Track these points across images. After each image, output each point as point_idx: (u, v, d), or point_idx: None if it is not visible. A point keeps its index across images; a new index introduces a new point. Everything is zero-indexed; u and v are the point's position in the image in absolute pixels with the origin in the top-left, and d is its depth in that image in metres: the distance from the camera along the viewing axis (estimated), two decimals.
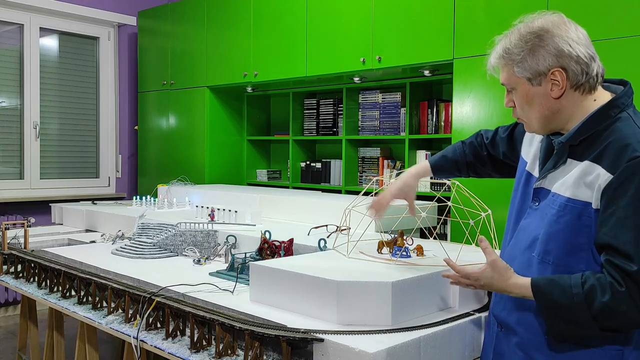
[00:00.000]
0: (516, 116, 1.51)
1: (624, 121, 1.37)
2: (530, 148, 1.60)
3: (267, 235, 2.41)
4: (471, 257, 1.98)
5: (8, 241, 2.86)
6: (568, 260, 1.38)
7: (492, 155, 1.83)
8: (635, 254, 1.26)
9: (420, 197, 3.50)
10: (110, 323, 1.99)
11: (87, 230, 3.45)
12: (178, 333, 1.81)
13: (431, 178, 3.61)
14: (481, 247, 1.45)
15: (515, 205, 1.58)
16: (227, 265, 2.37)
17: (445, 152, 1.91)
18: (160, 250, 2.64)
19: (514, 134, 1.75)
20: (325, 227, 2.71)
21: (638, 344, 1.38)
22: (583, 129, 1.39)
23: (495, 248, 1.73)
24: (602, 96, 1.42)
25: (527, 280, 1.38)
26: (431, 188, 3.63)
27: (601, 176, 1.32)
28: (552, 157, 1.46)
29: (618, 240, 1.28)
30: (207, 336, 1.71)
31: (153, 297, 1.86)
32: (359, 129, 4.28)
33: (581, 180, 1.36)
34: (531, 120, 1.46)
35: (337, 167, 4.37)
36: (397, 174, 4.06)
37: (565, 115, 1.42)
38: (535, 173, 1.53)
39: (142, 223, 2.89)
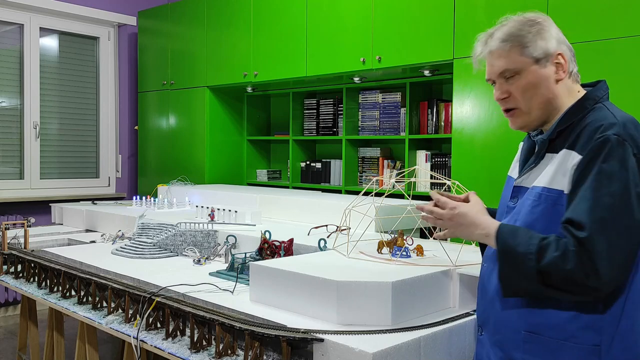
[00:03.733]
0: (508, 107, 1.49)
1: (599, 110, 1.42)
2: (515, 161, 1.64)
3: (267, 235, 2.42)
4: (471, 257, 1.98)
5: (8, 241, 2.87)
6: None
7: None
8: (587, 221, 1.29)
9: (421, 197, 3.50)
10: (110, 323, 1.99)
11: (87, 230, 3.45)
12: (178, 333, 1.81)
13: (432, 177, 3.61)
14: (470, 196, 1.54)
15: (499, 213, 1.60)
16: (227, 265, 2.37)
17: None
18: (160, 250, 2.64)
19: None
20: (325, 227, 2.71)
21: (616, 340, 1.37)
22: (561, 122, 1.43)
23: None
24: (582, 93, 1.48)
25: (497, 222, 1.44)
26: (431, 188, 3.63)
27: (574, 159, 1.36)
28: (533, 155, 1.51)
29: (575, 212, 1.31)
30: (207, 336, 1.71)
31: (153, 297, 1.86)
32: (359, 129, 4.28)
33: (559, 169, 1.39)
34: (532, 108, 1.46)
35: (337, 167, 4.37)
36: (397, 174, 4.07)
37: (560, 103, 1.45)
38: (514, 174, 1.58)
39: (142, 223, 2.89)
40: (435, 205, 1.55)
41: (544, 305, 1.38)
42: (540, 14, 1.48)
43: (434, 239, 1.62)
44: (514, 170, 1.60)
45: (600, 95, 1.45)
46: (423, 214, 1.58)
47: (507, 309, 1.45)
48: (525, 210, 1.44)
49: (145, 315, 1.86)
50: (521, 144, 1.64)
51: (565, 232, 1.32)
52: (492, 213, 1.57)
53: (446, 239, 1.65)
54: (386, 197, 2.50)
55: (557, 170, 1.40)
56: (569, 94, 1.46)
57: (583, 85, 1.52)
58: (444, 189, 2.71)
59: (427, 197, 3.43)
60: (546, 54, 1.43)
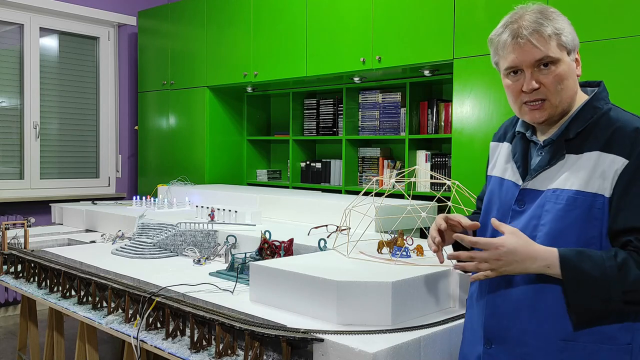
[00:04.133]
0: (539, 98, 1.39)
1: (616, 111, 1.38)
2: (498, 160, 1.57)
3: (267, 235, 2.41)
4: None
5: (8, 241, 2.86)
6: None
7: None
8: None
9: (421, 197, 3.50)
10: (110, 323, 1.99)
11: (87, 230, 3.45)
12: (178, 333, 1.81)
13: (432, 177, 3.61)
14: (494, 225, 1.37)
15: (499, 217, 1.48)
16: (227, 265, 2.37)
17: None
18: (160, 250, 2.64)
19: None
20: (325, 227, 2.71)
21: None
22: (577, 122, 1.39)
23: None
24: (582, 93, 1.44)
25: (553, 249, 1.31)
26: (431, 188, 3.63)
27: (616, 162, 1.30)
28: (542, 155, 1.43)
29: None
30: (207, 336, 1.71)
31: (153, 297, 1.86)
32: (359, 129, 4.28)
33: (594, 172, 1.33)
34: (561, 100, 1.39)
35: (337, 167, 4.37)
36: (397, 174, 4.06)
37: (576, 100, 1.41)
38: (509, 177, 1.49)
39: (142, 223, 2.89)
40: (470, 248, 1.38)
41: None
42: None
43: (472, 280, 1.42)
44: (506, 172, 1.51)
45: (607, 97, 1.42)
46: (458, 263, 1.38)
47: (538, 320, 1.36)
48: (554, 216, 1.35)
49: (145, 315, 1.86)
50: (495, 143, 1.59)
51: (638, 242, 1.27)
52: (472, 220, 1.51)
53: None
54: (386, 197, 2.51)
55: (591, 173, 1.33)
56: (578, 91, 1.42)
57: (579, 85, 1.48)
58: (443, 189, 2.71)
59: (427, 197, 3.43)
60: (574, 46, 1.39)
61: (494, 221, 1.38)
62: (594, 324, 1.33)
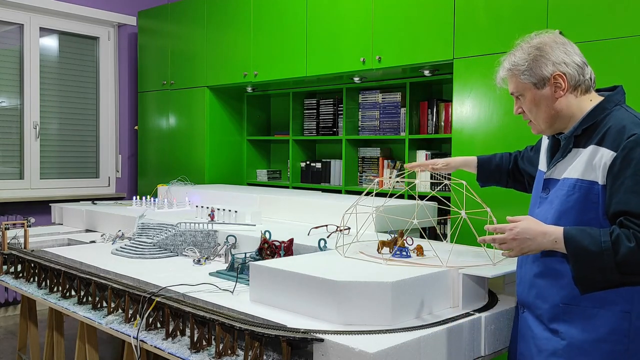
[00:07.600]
0: (526, 119, 1.75)
1: (618, 111, 1.62)
2: (541, 154, 1.85)
3: (267, 235, 2.42)
4: (470, 257, 1.98)
5: (8, 241, 2.86)
6: None
7: (523, 168, 2.06)
8: None
9: (421, 197, 3.49)
10: (110, 323, 1.99)
11: (87, 230, 3.45)
12: (178, 333, 1.81)
13: (432, 176, 3.61)
14: (508, 220, 1.61)
15: (532, 204, 1.81)
16: (227, 265, 2.37)
17: (493, 155, 2.16)
18: (160, 250, 2.64)
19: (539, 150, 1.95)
20: (325, 227, 2.71)
21: None
22: (585, 121, 1.63)
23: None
24: (597, 99, 1.67)
25: (560, 227, 1.56)
26: (431, 188, 3.63)
27: (605, 155, 1.55)
28: (559, 150, 1.69)
29: (630, 205, 1.49)
30: (207, 336, 1.71)
31: (153, 297, 1.86)
32: (359, 129, 4.28)
33: (589, 163, 1.58)
34: (539, 122, 1.70)
35: (337, 167, 4.37)
36: (397, 175, 4.06)
37: (567, 114, 1.66)
38: (543, 168, 1.77)
39: (142, 223, 2.89)
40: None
41: None
42: (547, 36, 1.67)
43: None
44: (542, 164, 1.79)
45: (619, 98, 1.66)
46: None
47: (546, 288, 1.64)
48: (559, 199, 1.63)
49: (145, 315, 1.86)
50: (545, 137, 1.82)
51: (628, 223, 1.48)
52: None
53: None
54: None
55: (588, 164, 1.58)
56: (578, 105, 1.64)
57: (600, 90, 1.70)
58: (439, 188, 2.72)
59: (430, 197, 3.43)
60: (542, 78, 1.64)
61: (508, 218, 1.63)
62: (562, 283, 1.60)
